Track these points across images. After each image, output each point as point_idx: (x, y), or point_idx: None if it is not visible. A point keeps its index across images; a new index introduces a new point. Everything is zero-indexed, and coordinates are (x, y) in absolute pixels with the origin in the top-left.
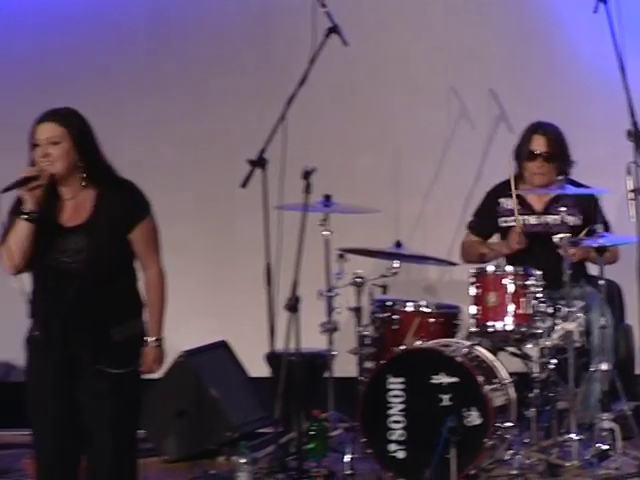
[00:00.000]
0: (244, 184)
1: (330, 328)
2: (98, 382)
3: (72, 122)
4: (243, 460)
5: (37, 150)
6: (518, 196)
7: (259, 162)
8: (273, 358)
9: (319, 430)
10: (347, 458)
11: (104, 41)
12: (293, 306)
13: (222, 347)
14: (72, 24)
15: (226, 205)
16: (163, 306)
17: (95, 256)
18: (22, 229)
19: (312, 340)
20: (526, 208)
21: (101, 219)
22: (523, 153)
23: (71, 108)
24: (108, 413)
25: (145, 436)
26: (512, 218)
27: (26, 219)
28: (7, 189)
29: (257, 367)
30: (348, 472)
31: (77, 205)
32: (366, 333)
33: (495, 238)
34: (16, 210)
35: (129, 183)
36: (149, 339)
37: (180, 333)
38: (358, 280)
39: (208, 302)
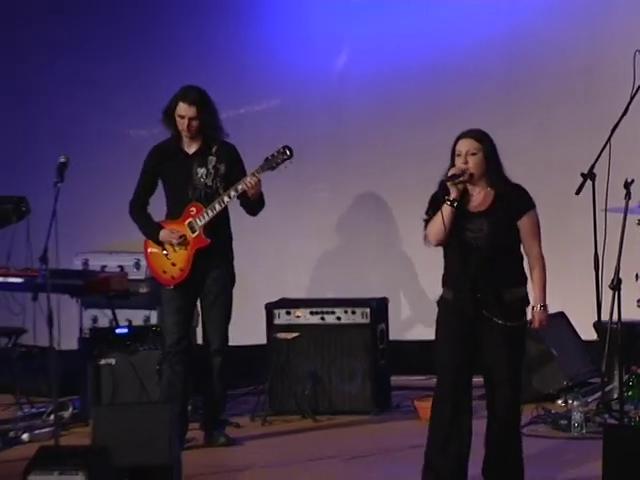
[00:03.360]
0: (578, 192)
1: None
2: (493, 330)
3: (485, 140)
4: (577, 403)
5: (459, 158)
6: None
7: (590, 175)
8: (600, 326)
9: (636, 381)
10: None
11: (467, 85)
12: (616, 286)
13: (561, 316)
14: (439, 72)
15: (563, 208)
16: (545, 280)
17: (492, 234)
18: (447, 212)
19: (631, 312)
20: None
21: (498, 209)
22: None
23: (481, 130)
24: (502, 353)
25: None
26: None
27: (450, 204)
28: (445, 180)
29: (588, 332)
30: None
31: (482, 198)
32: None
33: None
34: (436, 197)
35: (518, 186)
36: (537, 305)
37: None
38: None
39: (549, 281)
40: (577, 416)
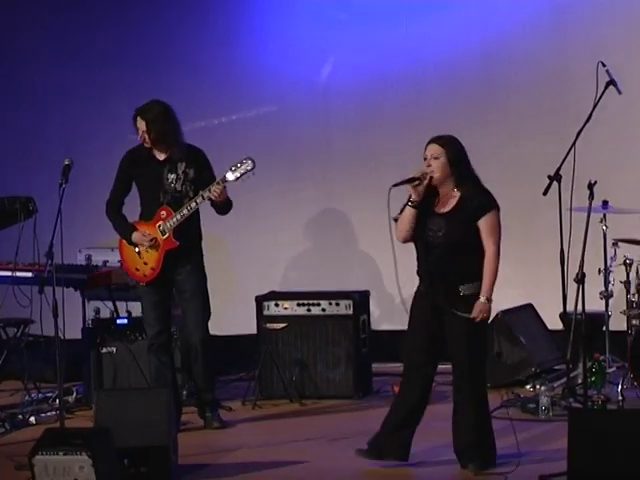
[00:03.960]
0: (545, 192)
1: (607, 295)
2: (454, 322)
3: (450, 145)
4: (544, 388)
5: (425, 162)
6: None
7: (556, 177)
8: (565, 316)
9: (598, 368)
10: (619, 388)
11: (443, 93)
12: (580, 279)
13: (529, 308)
14: (418, 81)
15: (531, 207)
16: (492, 277)
17: (447, 234)
18: (408, 213)
19: (594, 304)
20: None
21: (459, 211)
22: None
23: (451, 135)
24: (462, 343)
25: None
26: None
27: (410, 206)
28: (397, 184)
29: (553, 323)
30: (619, 398)
31: (447, 200)
32: (633, 300)
33: None
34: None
35: (484, 189)
36: (481, 296)
37: (498, 298)
38: (627, 261)
39: (518, 275)
40: (544, 400)
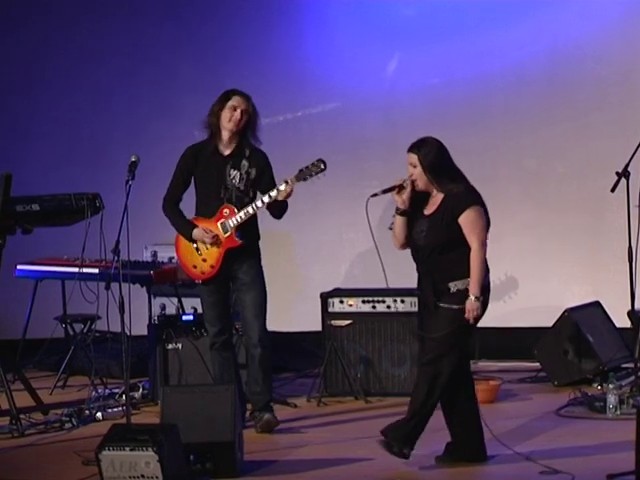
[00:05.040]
0: (613, 189)
1: None
2: (440, 316)
3: (424, 151)
4: (611, 386)
5: (408, 171)
6: None
7: (624, 173)
8: (633, 314)
9: None
10: None
11: (511, 90)
12: None
13: (596, 305)
14: (485, 79)
15: (599, 204)
16: (478, 274)
17: (427, 235)
18: (399, 221)
19: None
20: None
21: (439, 211)
22: None
23: (430, 139)
24: (441, 327)
25: (541, 367)
26: None
27: (398, 214)
28: (375, 194)
29: (621, 320)
30: None
31: (434, 202)
32: None
33: None
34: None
35: (466, 187)
36: (470, 296)
37: (565, 295)
38: None
39: (585, 273)
40: (612, 398)
